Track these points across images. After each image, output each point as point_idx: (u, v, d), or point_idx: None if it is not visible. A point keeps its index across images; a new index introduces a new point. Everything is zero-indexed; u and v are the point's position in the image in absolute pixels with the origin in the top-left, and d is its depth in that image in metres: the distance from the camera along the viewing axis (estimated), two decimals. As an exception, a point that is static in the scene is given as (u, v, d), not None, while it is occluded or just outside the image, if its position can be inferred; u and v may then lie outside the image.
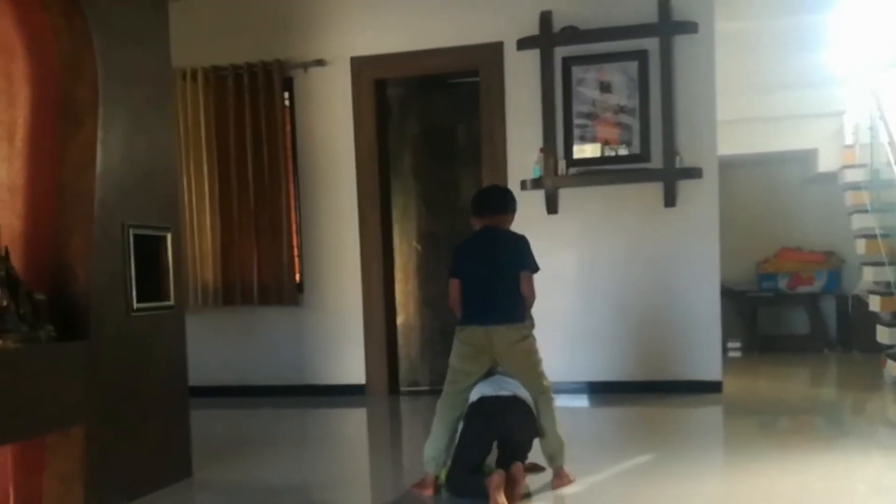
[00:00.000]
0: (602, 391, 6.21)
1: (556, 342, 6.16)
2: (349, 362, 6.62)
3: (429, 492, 3.78)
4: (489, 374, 3.93)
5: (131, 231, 3.90)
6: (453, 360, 3.87)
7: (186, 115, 6.61)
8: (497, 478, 3.50)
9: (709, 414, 5.75)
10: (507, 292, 3.84)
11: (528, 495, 3.75)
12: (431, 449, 3.81)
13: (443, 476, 3.81)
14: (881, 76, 7.69)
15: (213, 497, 4.09)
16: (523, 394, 3.86)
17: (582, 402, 6.10)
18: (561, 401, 5.85)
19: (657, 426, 5.42)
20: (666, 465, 4.25)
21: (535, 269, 3.93)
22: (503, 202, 4.04)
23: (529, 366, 3.85)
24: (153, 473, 4.02)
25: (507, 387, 3.84)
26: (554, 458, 3.83)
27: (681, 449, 4.64)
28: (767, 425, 5.44)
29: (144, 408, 3.97)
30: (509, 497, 3.50)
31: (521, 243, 3.93)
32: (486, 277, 3.84)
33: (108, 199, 3.77)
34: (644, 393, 6.09)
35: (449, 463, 3.80)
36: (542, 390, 3.86)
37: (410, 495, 3.88)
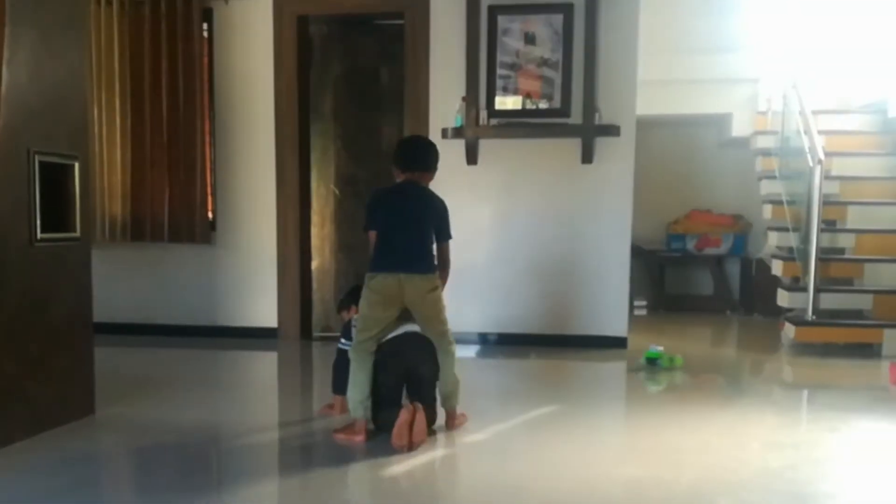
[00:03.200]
0: (511, 343, 6.30)
1: (469, 293, 6.22)
2: (262, 305, 6.54)
3: (360, 438, 3.82)
4: (400, 318, 3.95)
5: (37, 157, 3.76)
6: (363, 307, 3.89)
7: (100, 42, 6.37)
8: (405, 413, 3.64)
9: (613, 369, 5.86)
10: (423, 244, 3.89)
11: (431, 443, 3.81)
12: (357, 394, 3.84)
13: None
14: (796, 44, 7.86)
15: (116, 435, 3.99)
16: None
17: (490, 353, 6.16)
18: (469, 351, 5.98)
19: (563, 379, 5.52)
20: (570, 416, 4.33)
21: (450, 237, 4.03)
22: (432, 159, 4.06)
23: (436, 313, 3.92)
24: (54, 409, 3.93)
25: (411, 326, 3.96)
26: (449, 398, 3.96)
27: (585, 402, 4.73)
28: (669, 382, 5.56)
29: (47, 342, 3.87)
30: (410, 435, 3.64)
31: (443, 208, 3.99)
32: (404, 227, 3.87)
33: (12, 122, 3.63)
34: (552, 346, 6.20)
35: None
36: (445, 334, 3.94)
37: (320, 437, 3.90)
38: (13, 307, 3.65)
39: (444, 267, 4.01)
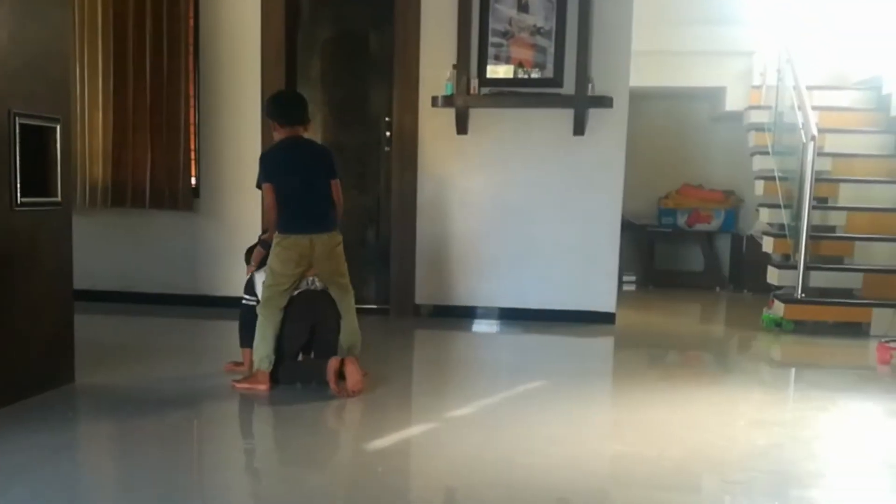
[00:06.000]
0: (500, 317, 6.25)
1: (455, 264, 6.18)
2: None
3: (264, 387, 4.11)
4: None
5: (18, 119, 3.67)
6: (276, 265, 4.13)
7: (83, 0, 6.22)
8: (334, 362, 4.01)
9: (601, 345, 5.83)
10: (326, 202, 4.22)
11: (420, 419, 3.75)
12: (264, 348, 4.12)
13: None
14: (791, 18, 7.78)
15: (96, 403, 3.95)
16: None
17: (479, 326, 6.12)
18: (455, 324, 5.93)
19: (550, 354, 5.49)
20: (556, 392, 4.31)
21: (338, 176, 4.29)
22: (308, 112, 4.32)
23: (339, 267, 4.27)
24: (34, 376, 3.87)
25: (317, 283, 4.28)
26: (353, 348, 4.29)
27: (572, 378, 4.70)
28: (657, 359, 5.55)
29: (27, 307, 3.81)
30: (343, 383, 4.00)
31: (329, 154, 4.30)
32: (306, 188, 4.16)
33: (-8, 83, 3.53)
34: (539, 320, 6.14)
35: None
36: (347, 286, 4.32)
37: (304, 406, 3.87)
38: (-9, 272, 3.58)
39: (337, 204, 4.28)
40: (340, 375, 4.02)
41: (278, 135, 4.26)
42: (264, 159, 4.27)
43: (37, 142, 3.85)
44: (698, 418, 3.87)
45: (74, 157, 6.00)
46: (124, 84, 6.27)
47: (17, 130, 3.67)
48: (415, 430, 3.64)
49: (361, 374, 4.08)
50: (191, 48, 6.30)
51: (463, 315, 6.25)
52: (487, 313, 6.27)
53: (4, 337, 3.66)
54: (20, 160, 3.69)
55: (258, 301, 4.27)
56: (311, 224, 4.15)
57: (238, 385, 4.16)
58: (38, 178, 3.87)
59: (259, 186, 4.21)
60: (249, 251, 4.55)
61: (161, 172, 6.30)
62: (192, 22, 6.31)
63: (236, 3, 6.30)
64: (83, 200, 6.31)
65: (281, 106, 4.32)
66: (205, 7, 6.34)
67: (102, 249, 6.47)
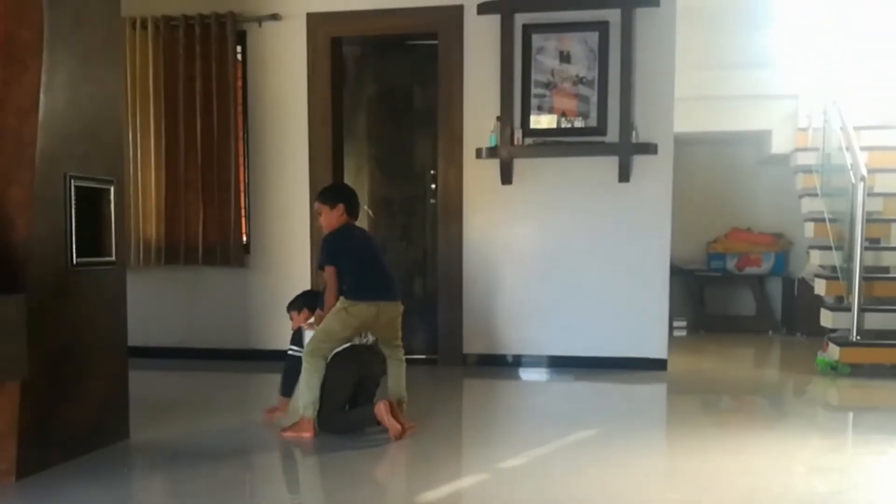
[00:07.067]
0: (549, 365, 6.22)
1: (504, 313, 6.17)
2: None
3: (309, 434, 4.19)
4: None
5: (73, 182, 3.77)
6: (335, 325, 4.24)
7: (135, 65, 6.42)
8: (383, 404, 4.09)
9: (653, 391, 5.77)
10: (391, 274, 4.46)
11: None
12: (309, 396, 4.20)
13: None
14: (836, 60, 7.74)
15: (151, 460, 3.99)
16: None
17: (528, 375, 6.10)
18: (508, 374, 5.91)
19: (602, 402, 5.44)
20: (609, 441, 4.25)
21: None
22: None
23: (398, 332, 4.48)
24: (90, 434, 3.92)
25: (369, 336, 4.46)
26: (402, 401, 4.42)
27: (625, 425, 4.65)
28: (710, 404, 5.47)
29: (83, 366, 3.87)
30: (398, 419, 4.11)
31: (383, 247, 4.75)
32: (374, 262, 4.39)
33: (50, 147, 3.64)
34: (590, 368, 6.11)
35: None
36: (400, 347, 4.52)
37: (355, 461, 3.85)
38: (49, 331, 3.64)
39: None
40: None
41: (332, 220, 4.42)
42: (327, 242, 4.41)
43: (92, 203, 3.94)
44: (754, 465, 3.80)
45: (128, 217, 6.14)
46: (175, 145, 6.43)
47: (73, 193, 3.77)
48: (465, 482, 3.63)
49: (408, 426, 4.17)
50: (239, 108, 6.46)
51: (511, 364, 6.25)
52: (536, 361, 6.25)
53: (60, 394, 3.72)
54: (76, 221, 3.79)
55: None
56: (379, 291, 4.32)
57: (285, 433, 4.24)
58: (93, 238, 3.96)
59: (321, 268, 4.38)
60: (292, 303, 4.70)
61: (213, 230, 6.42)
62: (240, 83, 6.48)
63: (283, 63, 6.44)
64: (137, 259, 6.44)
65: (349, 197, 4.52)
66: (252, 69, 6.51)
67: (156, 307, 6.58)
